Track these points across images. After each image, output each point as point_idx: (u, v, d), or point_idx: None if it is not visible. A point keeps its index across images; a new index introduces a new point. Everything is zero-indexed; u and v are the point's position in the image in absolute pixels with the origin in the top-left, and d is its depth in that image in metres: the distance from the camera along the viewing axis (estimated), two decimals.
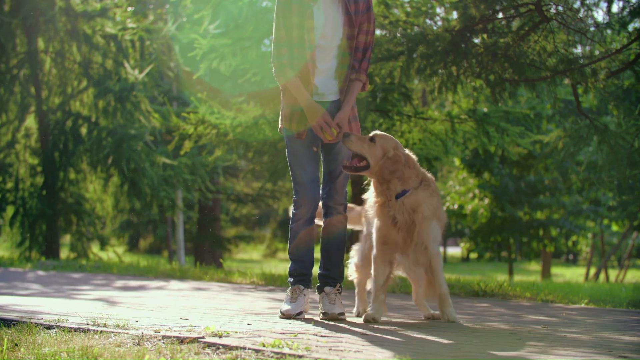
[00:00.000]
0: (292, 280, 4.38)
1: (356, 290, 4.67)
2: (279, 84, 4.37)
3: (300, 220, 4.30)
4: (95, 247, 16.95)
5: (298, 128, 4.27)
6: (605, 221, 24.47)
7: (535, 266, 32.73)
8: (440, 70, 7.07)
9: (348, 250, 4.80)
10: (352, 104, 4.29)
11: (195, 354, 2.95)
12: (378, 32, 8.81)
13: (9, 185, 14.39)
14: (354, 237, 8.45)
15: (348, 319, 4.24)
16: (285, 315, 4.23)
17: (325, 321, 4.12)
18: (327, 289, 4.30)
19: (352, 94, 4.28)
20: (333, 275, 4.33)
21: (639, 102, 7.35)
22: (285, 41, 4.23)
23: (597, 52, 6.83)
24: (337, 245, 4.35)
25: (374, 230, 4.24)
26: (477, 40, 6.95)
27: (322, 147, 4.40)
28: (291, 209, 4.39)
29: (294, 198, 4.34)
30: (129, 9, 14.46)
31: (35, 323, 3.59)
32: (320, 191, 4.35)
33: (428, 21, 7.98)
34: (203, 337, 3.17)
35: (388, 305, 4.52)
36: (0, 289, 6.31)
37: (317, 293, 4.39)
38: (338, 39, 4.26)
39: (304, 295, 4.33)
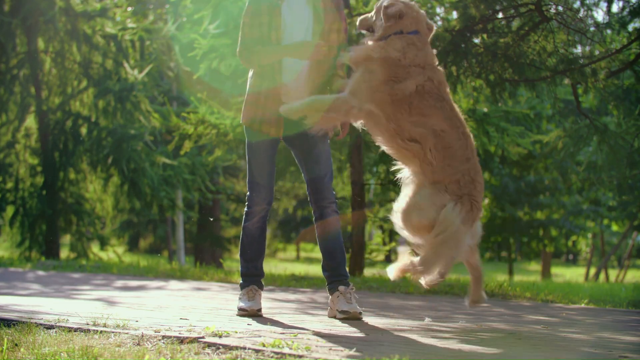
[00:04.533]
0: (244, 281, 4.42)
1: None
2: (252, 69, 4.34)
3: (255, 218, 4.32)
4: (95, 247, 16.94)
5: (268, 129, 4.27)
6: (605, 221, 24.49)
7: (535, 266, 32.73)
8: None
9: (347, 250, 4.78)
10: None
11: (195, 354, 2.95)
12: None
13: (9, 185, 14.39)
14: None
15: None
16: (249, 312, 4.23)
17: (348, 320, 4.10)
18: (341, 288, 4.29)
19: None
20: (343, 273, 4.33)
21: (639, 102, 7.34)
22: (249, 38, 4.25)
23: (597, 52, 6.83)
24: (339, 244, 4.34)
25: None
26: (477, 40, 6.95)
27: (301, 151, 4.36)
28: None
29: (247, 195, 4.35)
30: (129, 9, 14.45)
31: (35, 323, 3.58)
32: (308, 197, 4.36)
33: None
34: (203, 337, 3.17)
35: (388, 305, 4.50)
36: (0, 289, 6.31)
37: (328, 294, 4.39)
38: (309, 37, 4.25)
39: (259, 295, 4.37)
